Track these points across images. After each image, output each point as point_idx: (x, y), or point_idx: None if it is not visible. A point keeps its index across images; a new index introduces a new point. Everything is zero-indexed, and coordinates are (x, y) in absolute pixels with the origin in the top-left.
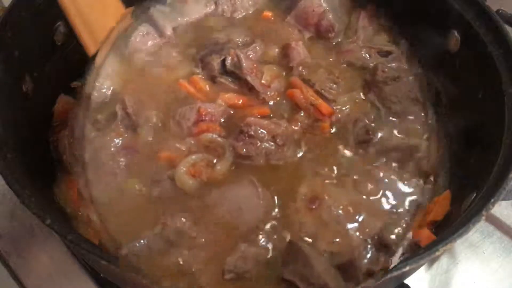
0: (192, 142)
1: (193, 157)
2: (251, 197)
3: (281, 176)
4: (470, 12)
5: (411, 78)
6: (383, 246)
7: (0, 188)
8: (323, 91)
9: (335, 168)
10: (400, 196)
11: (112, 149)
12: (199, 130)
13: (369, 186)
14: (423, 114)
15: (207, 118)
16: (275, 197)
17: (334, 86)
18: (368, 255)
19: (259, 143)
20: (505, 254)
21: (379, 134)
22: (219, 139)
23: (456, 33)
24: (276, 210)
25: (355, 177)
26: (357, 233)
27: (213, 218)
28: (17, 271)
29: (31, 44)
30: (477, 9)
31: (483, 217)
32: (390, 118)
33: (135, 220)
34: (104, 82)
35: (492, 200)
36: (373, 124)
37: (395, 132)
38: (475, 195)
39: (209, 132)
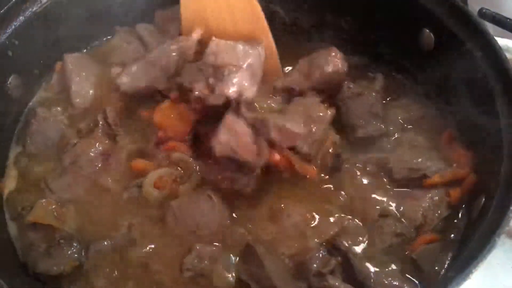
0: (164, 156)
1: (162, 170)
2: (208, 212)
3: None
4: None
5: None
6: (336, 250)
7: None
8: None
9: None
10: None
11: (92, 154)
12: (168, 147)
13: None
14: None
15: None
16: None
17: None
18: (319, 258)
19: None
20: (506, 257)
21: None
22: (190, 159)
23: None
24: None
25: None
26: (314, 237)
27: (172, 229)
28: None
29: None
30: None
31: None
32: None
33: (105, 219)
34: (88, 90)
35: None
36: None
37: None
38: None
39: (175, 150)
